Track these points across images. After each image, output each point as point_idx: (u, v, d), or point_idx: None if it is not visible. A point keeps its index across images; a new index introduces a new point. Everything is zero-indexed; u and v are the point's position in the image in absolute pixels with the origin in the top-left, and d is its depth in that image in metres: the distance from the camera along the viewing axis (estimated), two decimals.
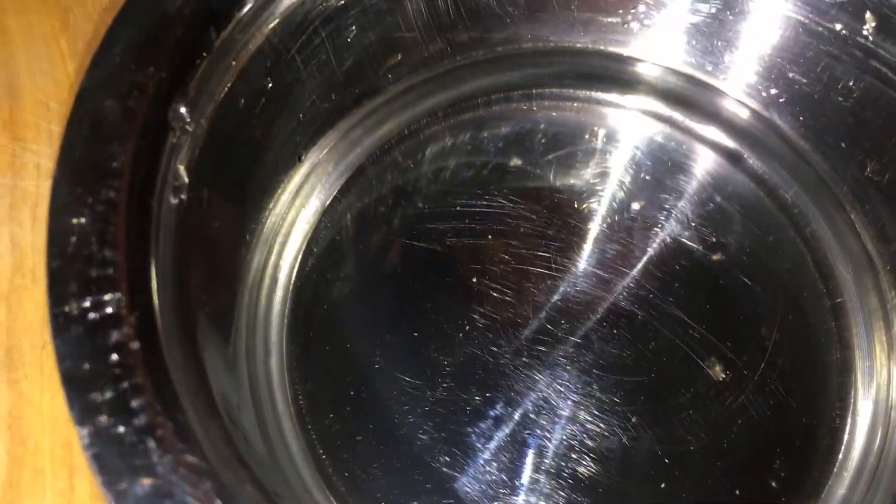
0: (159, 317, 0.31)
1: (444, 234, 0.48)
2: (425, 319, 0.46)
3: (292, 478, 0.43)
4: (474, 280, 0.47)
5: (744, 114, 0.49)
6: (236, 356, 0.43)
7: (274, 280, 0.47)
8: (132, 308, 0.30)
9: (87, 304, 0.29)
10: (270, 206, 0.46)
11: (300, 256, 0.48)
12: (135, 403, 0.28)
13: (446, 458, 0.43)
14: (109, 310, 0.29)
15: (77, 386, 0.28)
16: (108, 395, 0.28)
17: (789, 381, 0.45)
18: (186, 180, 0.33)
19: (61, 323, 0.29)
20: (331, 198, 0.48)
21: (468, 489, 0.43)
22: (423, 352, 0.45)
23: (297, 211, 0.48)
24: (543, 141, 0.50)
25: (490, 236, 0.48)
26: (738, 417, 0.44)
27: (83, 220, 0.30)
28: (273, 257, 0.46)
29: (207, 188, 0.35)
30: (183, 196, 0.33)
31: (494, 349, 0.45)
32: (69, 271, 0.30)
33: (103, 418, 0.28)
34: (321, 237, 0.48)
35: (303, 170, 0.48)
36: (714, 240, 0.48)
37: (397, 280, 0.47)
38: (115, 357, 0.29)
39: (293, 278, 0.47)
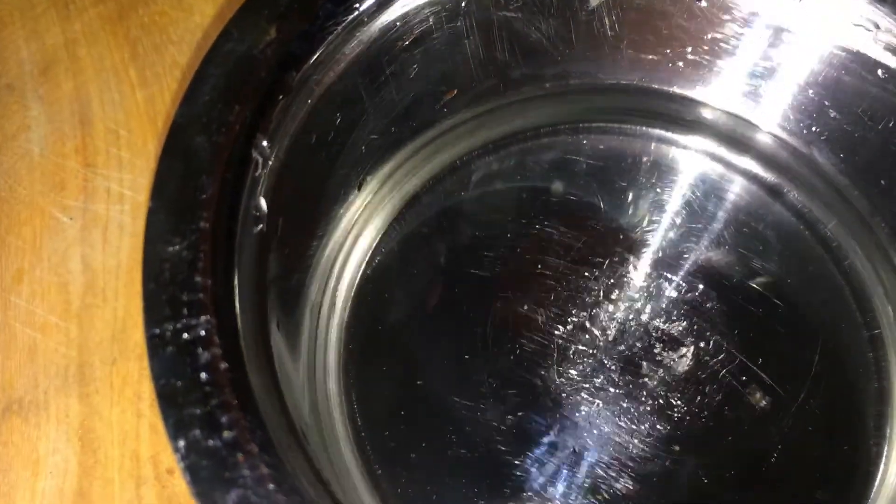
0: (243, 339, 0.33)
1: (494, 261, 0.50)
2: (475, 344, 0.48)
3: (352, 496, 0.45)
4: (524, 307, 0.48)
5: (784, 150, 0.51)
6: (301, 378, 0.45)
7: (332, 304, 0.49)
8: (220, 330, 0.32)
9: (179, 325, 0.32)
10: (331, 232, 0.48)
11: (357, 281, 0.50)
12: (224, 419, 0.31)
13: (491, 478, 0.45)
14: (201, 332, 0.32)
15: (171, 402, 0.31)
16: (199, 410, 0.31)
17: (829, 410, 0.47)
18: (266, 210, 0.36)
19: (157, 343, 0.31)
20: (387, 225, 0.51)
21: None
22: (472, 375, 0.47)
23: (354, 237, 0.50)
24: (589, 170, 0.52)
25: (539, 265, 0.49)
26: (779, 444, 0.46)
27: (176, 247, 0.33)
28: (332, 281, 0.48)
29: (282, 217, 0.38)
30: (263, 226, 0.35)
31: (543, 373, 0.47)
32: (163, 295, 0.32)
33: (196, 432, 0.30)
34: (376, 263, 0.50)
35: (361, 198, 0.50)
36: (756, 268, 0.49)
37: (448, 305, 0.49)
38: (204, 376, 0.31)
39: (350, 302, 0.49)
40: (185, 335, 0.32)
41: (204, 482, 0.30)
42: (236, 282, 0.33)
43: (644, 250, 0.50)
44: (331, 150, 0.43)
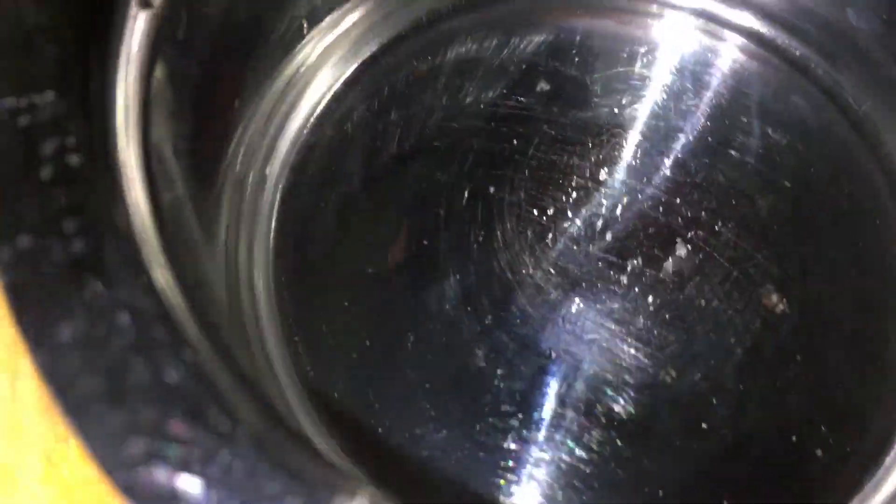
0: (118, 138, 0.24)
1: (462, 137, 0.41)
2: (437, 228, 0.39)
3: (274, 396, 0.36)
4: (496, 189, 0.40)
5: (810, 13, 0.43)
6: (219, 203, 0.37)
7: (261, 179, 0.40)
8: (74, 114, 0.23)
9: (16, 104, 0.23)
10: (262, 91, 0.39)
11: (296, 152, 0.41)
12: (69, 225, 0.22)
13: (451, 381, 0.37)
14: (45, 114, 0.23)
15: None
16: (35, 216, 0.22)
17: (856, 320, 0.39)
18: None
19: None
20: (335, 89, 0.42)
21: (476, 419, 0.36)
22: (432, 264, 0.39)
23: (293, 100, 0.41)
24: (575, 40, 0.44)
25: (516, 140, 0.41)
26: (798, 355, 0.38)
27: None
28: (267, 140, 0.40)
29: (186, 9, 0.29)
30: (155, 4, 0.27)
31: (517, 265, 0.39)
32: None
33: (26, 239, 0.21)
34: (320, 132, 0.41)
35: (303, 53, 0.41)
36: (771, 150, 0.41)
37: (407, 185, 0.40)
38: (47, 172, 0.23)
39: (284, 178, 0.41)
40: (24, 118, 0.23)
41: (31, 306, 0.21)
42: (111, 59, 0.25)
43: (638, 127, 0.42)
44: None
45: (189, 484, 0.20)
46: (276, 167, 0.41)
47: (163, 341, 0.21)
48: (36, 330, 0.21)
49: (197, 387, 0.21)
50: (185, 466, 0.20)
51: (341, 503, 0.20)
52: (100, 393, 0.20)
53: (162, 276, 0.23)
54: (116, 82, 0.26)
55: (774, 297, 0.38)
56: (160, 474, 0.20)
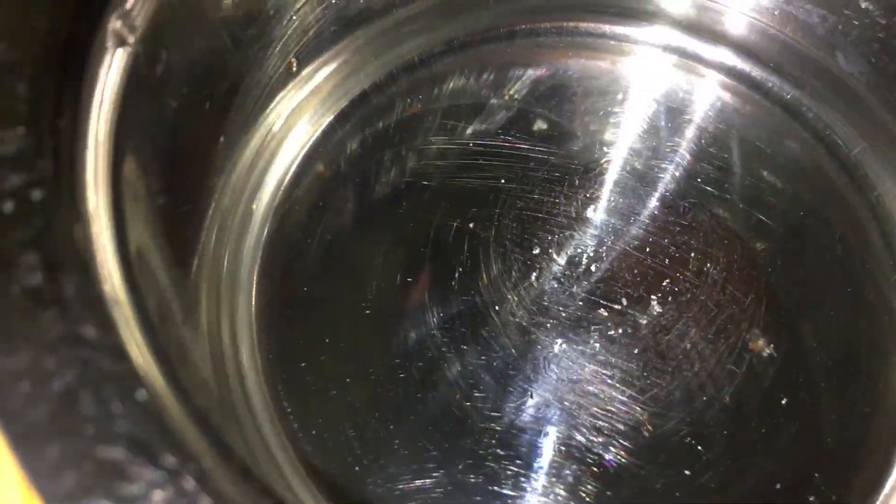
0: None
1: (446, 173, 0.41)
2: (421, 266, 0.39)
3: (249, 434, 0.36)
4: (482, 227, 0.40)
5: (799, 55, 0.43)
6: (197, 285, 0.37)
7: (248, 210, 0.40)
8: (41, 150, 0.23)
9: None
10: (257, 119, 0.40)
11: (285, 184, 0.41)
12: (28, 259, 0.22)
13: (432, 419, 0.36)
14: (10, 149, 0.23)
15: None
16: None
17: (845, 365, 0.38)
18: (135, 23, 0.27)
19: None
20: (326, 122, 0.42)
21: (462, 462, 0.36)
22: (417, 304, 0.39)
23: (285, 132, 0.42)
24: (557, 80, 0.44)
25: (503, 180, 0.41)
26: (785, 399, 0.37)
27: None
28: (254, 177, 0.40)
29: (166, 50, 0.29)
30: (130, 41, 0.27)
31: (501, 305, 0.38)
32: None
33: None
34: (311, 166, 0.42)
35: (297, 87, 0.42)
36: (761, 193, 0.41)
37: (393, 220, 0.41)
38: (10, 206, 0.23)
39: (273, 208, 0.41)
40: None
41: None
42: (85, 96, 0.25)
43: (625, 167, 0.42)
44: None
45: None
46: (263, 201, 0.41)
47: (114, 375, 0.21)
48: None
49: (145, 423, 0.21)
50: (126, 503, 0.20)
51: None
52: (46, 424, 0.20)
53: (121, 311, 0.24)
54: (89, 119, 0.26)
55: (761, 342, 0.38)
56: None
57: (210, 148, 0.36)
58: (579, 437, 0.36)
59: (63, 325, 0.22)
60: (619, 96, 0.44)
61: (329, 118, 0.42)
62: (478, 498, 0.36)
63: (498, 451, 0.36)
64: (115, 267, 0.24)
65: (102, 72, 0.27)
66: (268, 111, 0.40)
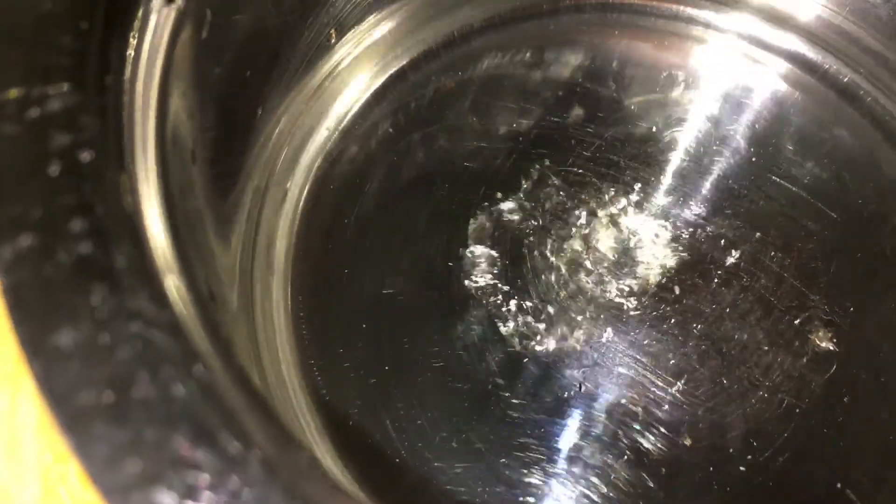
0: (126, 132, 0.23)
1: (490, 154, 0.39)
2: (461, 250, 0.38)
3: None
4: (522, 209, 0.38)
5: (858, 41, 0.41)
6: (232, 266, 0.35)
7: (283, 191, 0.39)
8: (88, 108, 0.22)
9: (27, 94, 0.21)
10: (293, 92, 0.38)
11: (319, 163, 0.39)
12: (76, 226, 0.20)
13: (468, 406, 0.35)
14: (56, 105, 0.21)
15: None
16: (40, 213, 0.20)
17: None
18: None
19: None
20: (363, 100, 0.40)
21: (497, 450, 0.34)
22: (455, 287, 0.37)
23: (318, 111, 0.40)
24: (613, 57, 0.42)
25: (548, 161, 0.39)
26: (846, 397, 0.35)
27: None
28: (288, 155, 0.38)
29: (212, 12, 0.28)
30: (177, 0, 0.25)
31: (544, 289, 0.37)
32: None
33: (28, 239, 0.20)
34: (347, 146, 0.40)
35: (331, 62, 0.40)
36: (818, 181, 0.39)
37: (432, 203, 0.39)
38: (55, 168, 0.21)
39: (307, 189, 0.39)
40: (34, 110, 0.21)
41: (31, 310, 0.19)
42: (127, 54, 0.23)
43: (676, 150, 0.40)
44: None
45: None
46: (297, 181, 0.39)
47: (172, 354, 0.19)
48: (35, 336, 0.19)
49: (206, 405, 0.19)
50: (190, 493, 0.18)
51: None
52: (100, 407, 0.18)
53: (173, 283, 0.22)
54: (136, 78, 0.24)
55: (822, 334, 0.36)
56: (163, 500, 0.18)
57: (249, 119, 0.34)
58: (626, 430, 0.34)
59: (115, 299, 0.20)
60: (666, 79, 0.42)
61: (366, 95, 0.40)
62: (512, 484, 0.34)
63: (536, 440, 0.34)
64: (164, 236, 0.23)
65: (149, 29, 0.25)
66: (305, 85, 0.39)
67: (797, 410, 0.35)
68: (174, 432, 0.18)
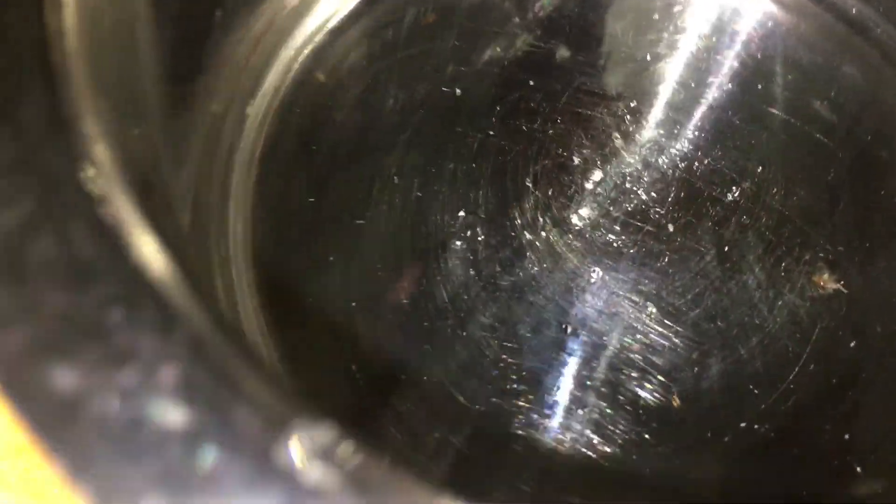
0: None
1: (477, 76, 0.36)
2: (441, 184, 0.34)
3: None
4: (511, 142, 0.35)
5: None
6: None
7: (242, 115, 0.35)
8: None
9: None
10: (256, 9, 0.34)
11: (283, 90, 0.36)
12: None
13: (459, 361, 0.31)
14: None
15: None
16: None
17: None
18: None
19: None
20: (332, 24, 0.37)
21: (482, 401, 0.31)
22: (426, 211, 0.34)
23: (285, 30, 0.36)
24: None
25: (539, 94, 0.36)
26: (852, 341, 0.32)
27: None
28: (248, 79, 0.35)
29: None
30: None
31: (533, 227, 0.33)
32: None
33: None
34: (317, 67, 0.37)
35: None
36: (824, 115, 0.36)
37: (406, 127, 0.35)
38: None
39: (270, 119, 0.36)
40: None
41: None
42: None
43: (672, 79, 0.37)
44: None
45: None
46: (258, 107, 0.36)
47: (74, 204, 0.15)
48: None
49: (125, 271, 0.16)
50: (97, 366, 0.14)
51: (300, 427, 0.15)
52: None
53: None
54: None
55: (827, 276, 0.33)
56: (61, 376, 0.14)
57: (207, 31, 0.31)
58: (618, 375, 0.31)
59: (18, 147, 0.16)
60: (657, 16, 0.39)
61: (340, 15, 0.37)
62: (502, 431, 0.31)
63: (521, 385, 0.31)
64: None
65: None
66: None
67: (801, 356, 0.32)
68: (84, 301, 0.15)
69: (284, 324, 0.31)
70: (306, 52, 0.37)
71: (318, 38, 0.37)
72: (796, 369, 0.32)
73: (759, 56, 0.37)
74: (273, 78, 0.36)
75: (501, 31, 0.38)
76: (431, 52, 0.37)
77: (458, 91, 0.36)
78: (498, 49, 0.37)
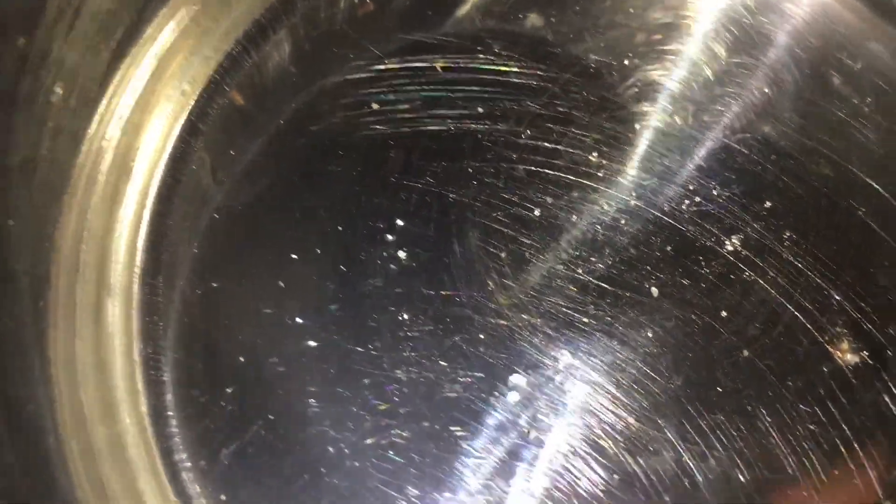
0: None
1: (408, 112, 0.29)
2: (368, 247, 0.28)
3: None
4: (449, 186, 0.28)
5: None
6: None
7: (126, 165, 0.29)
8: None
9: None
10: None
11: (180, 127, 0.29)
12: None
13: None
14: None
15: None
16: None
17: None
18: None
19: None
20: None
21: None
22: (365, 303, 0.28)
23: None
24: None
25: (481, 116, 0.29)
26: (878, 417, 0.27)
27: None
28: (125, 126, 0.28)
29: None
30: None
31: (480, 302, 0.27)
32: None
33: None
34: (216, 98, 0.30)
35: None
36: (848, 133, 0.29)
37: (330, 178, 0.29)
38: None
39: (165, 159, 0.29)
40: None
41: None
42: None
43: (650, 96, 0.30)
44: None
45: None
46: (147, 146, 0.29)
47: None
48: None
49: None
50: None
51: None
52: None
53: None
54: None
55: (844, 345, 0.27)
56: None
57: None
58: (591, 487, 0.26)
59: None
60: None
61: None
62: None
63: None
64: None
65: None
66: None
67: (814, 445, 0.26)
68: None
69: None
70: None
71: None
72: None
73: (770, 57, 0.30)
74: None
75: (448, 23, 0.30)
76: (362, 64, 0.30)
77: (386, 129, 0.29)
78: (440, 56, 0.30)
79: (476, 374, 0.27)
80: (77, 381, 0.27)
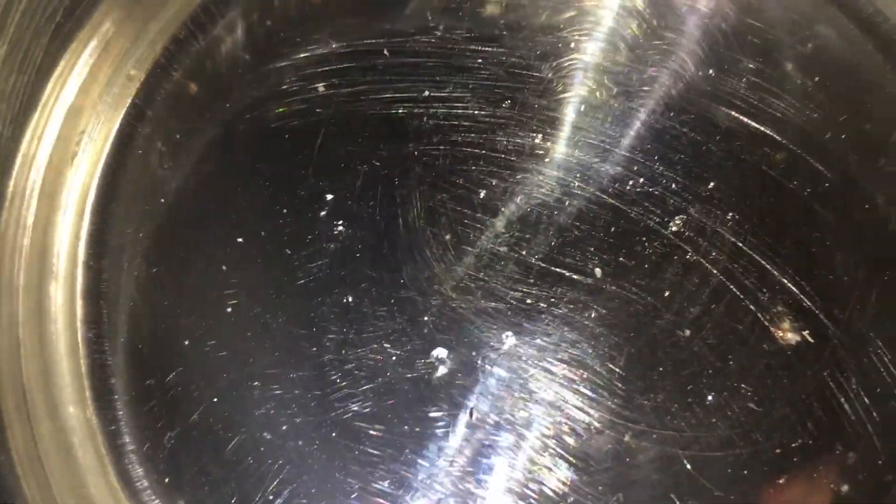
0: None
1: (351, 92, 0.29)
2: (313, 226, 0.28)
3: None
4: (393, 167, 0.28)
5: None
6: None
7: (69, 149, 0.29)
8: None
9: None
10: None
11: (125, 111, 0.29)
12: None
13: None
14: None
15: None
16: None
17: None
18: None
19: None
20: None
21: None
22: (308, 285, 0.28)
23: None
24: None
25: (426, 92, 0.29)
26: (814, 404, 0.27)
27: None
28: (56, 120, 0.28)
29: None
30: None
31: (423, 282, 0.27)
32: None
33: None
34: (163, 83, 0.30)
35: None
36: (782, 107, 0.29)
37: (277, 160, 0.29)
38: None
39: (110, 144, 0.29)
40: None
41: None
42: None
43: (595, 76, 0.30)
44: None
45: None
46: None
47: None
48: None
49: None
50: None
51: None
52: None
53: None
54: None
55: (785, 325, 0.27)
56: None
57: None
58: (531, 466, 0.26)
59: None
60: None
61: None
62: None
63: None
64: None
65: None
66: None
67: (750, 434, 0.26)
68: None
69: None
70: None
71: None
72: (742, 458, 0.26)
73: (712, 35, 0.30)
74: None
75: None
76: (307, 45, 0.30)
77: (327, 111, 0.29)
78: (386, 34, 0.30)
79: (420, 355, 0.27)
80: (20, 367, 0.27)
